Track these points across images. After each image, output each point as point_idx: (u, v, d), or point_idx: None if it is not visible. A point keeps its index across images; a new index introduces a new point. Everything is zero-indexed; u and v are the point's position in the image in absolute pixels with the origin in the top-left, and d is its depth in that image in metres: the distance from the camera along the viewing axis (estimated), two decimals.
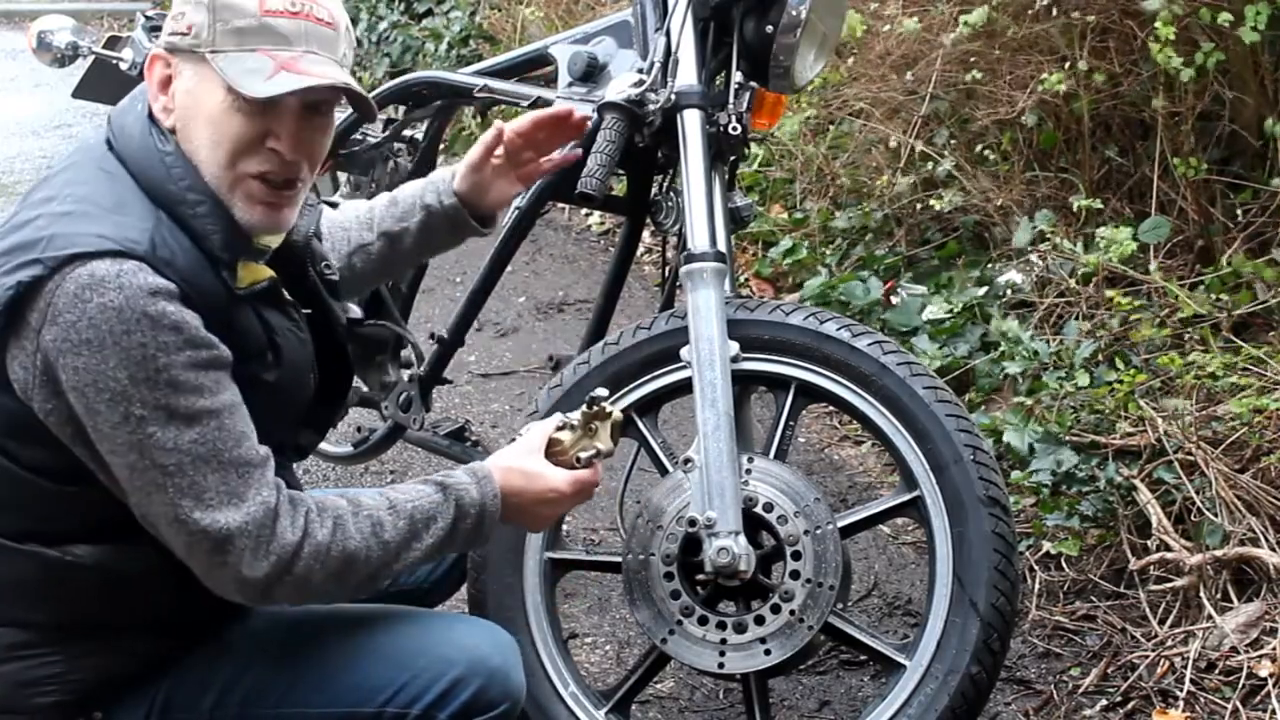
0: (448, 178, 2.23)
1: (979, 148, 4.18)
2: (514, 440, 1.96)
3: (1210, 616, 2.69)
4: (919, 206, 4.31)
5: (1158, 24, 3.38)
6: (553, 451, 1.93)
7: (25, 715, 1.78)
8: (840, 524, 2.21)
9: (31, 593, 1.76)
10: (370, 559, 1.78)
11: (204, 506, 1.67)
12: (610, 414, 1.94)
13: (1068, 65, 3.77)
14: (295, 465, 2.03)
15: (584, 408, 1.93)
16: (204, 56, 1.72)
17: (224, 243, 1.73)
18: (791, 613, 2.16)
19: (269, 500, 1.71)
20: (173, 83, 1.76)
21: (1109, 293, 3.43)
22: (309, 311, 1.92)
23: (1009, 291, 3.87)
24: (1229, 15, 3.36)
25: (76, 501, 1.72)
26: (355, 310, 2.11)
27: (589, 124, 2.33)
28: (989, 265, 4.05)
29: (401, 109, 3.08)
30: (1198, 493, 2.87)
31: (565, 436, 1.93)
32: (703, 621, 2.20)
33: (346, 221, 2.24)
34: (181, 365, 1.65)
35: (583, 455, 1.93)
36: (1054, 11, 3.79)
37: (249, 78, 1.71)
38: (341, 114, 2.49)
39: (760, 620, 2.18)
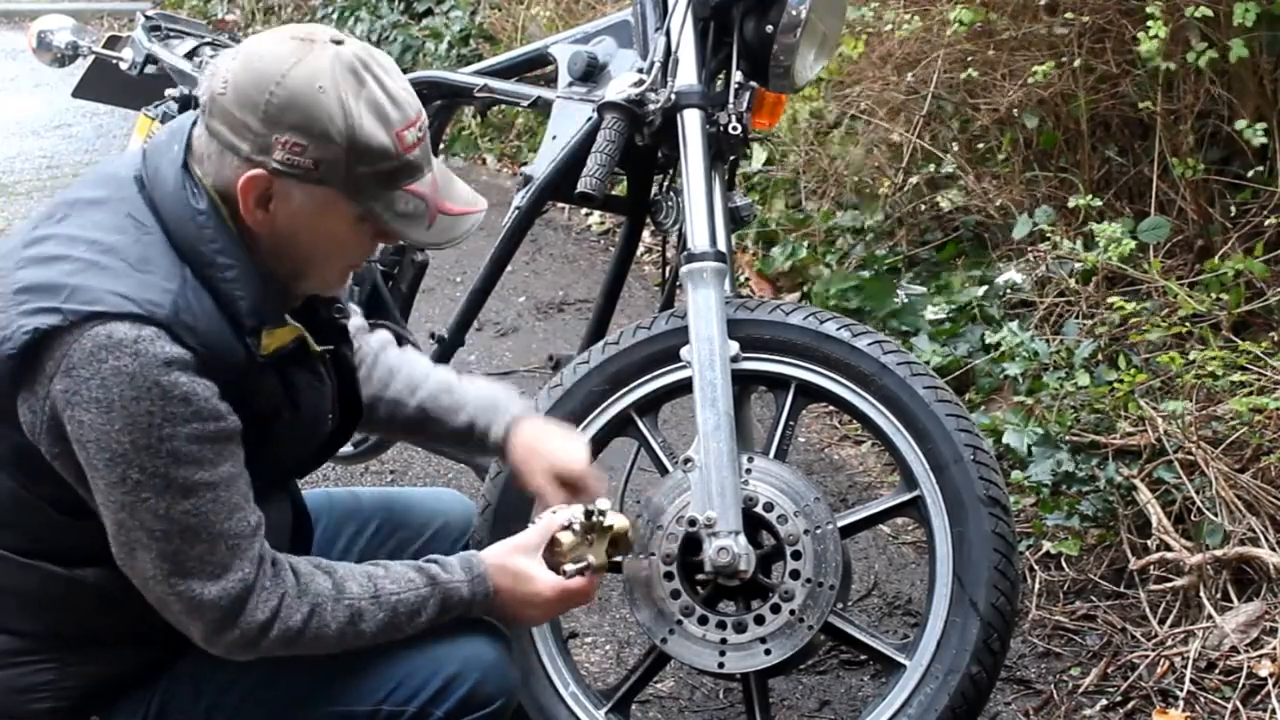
0: (506, 420, 2.09)
1: (979, 147, 4.18)
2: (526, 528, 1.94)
3: (1210, 616, 2.69)
4: (920, 207, 4.31)
5: (1150, 22, 3.38)
6: (553, 551, 1.90)
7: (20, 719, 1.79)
8: (840, 524, 2.21)
9: (30, 604, 1.77)
10: (343, 643, 1.79)
11: (182, 574, 1.68)
12: (610, 527, 1.91)
13: (1063, 61, 3.77)
14: None
15: (583, 517, 1.90)
16: (336, 190, 1.70)
17: (251, 309, 1.72)
18: (791, 612, 2.16)
19: (248, 577, 1.71)
20: (274, 202, 1.71)
21: (1111, 298, 3.42)
22: (331, 349, 1.91)
23: (1009, 291, 3.87)
24: (1208, 11, 3.36)
25: (85, 531, 1.72)
26: (356, 311, 2.11)
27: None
28: (989, 265, 4.05)
29: None
30: (1198, 492, 2.87)
31: (566, 539, 1.90)
32: (703, 621, 2.20)
33: (398, 367, 2.15)
34: (185, 437, 1.65)
35: (569, 568, 1.89)
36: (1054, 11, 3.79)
37: (412, 227, 1.75)
38: None
39: (760, 620, 2.18)
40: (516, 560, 1.89)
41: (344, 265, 1.82)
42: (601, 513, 1.90)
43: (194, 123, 1.76)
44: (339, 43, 1.71)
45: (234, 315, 1.70)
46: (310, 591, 1.76)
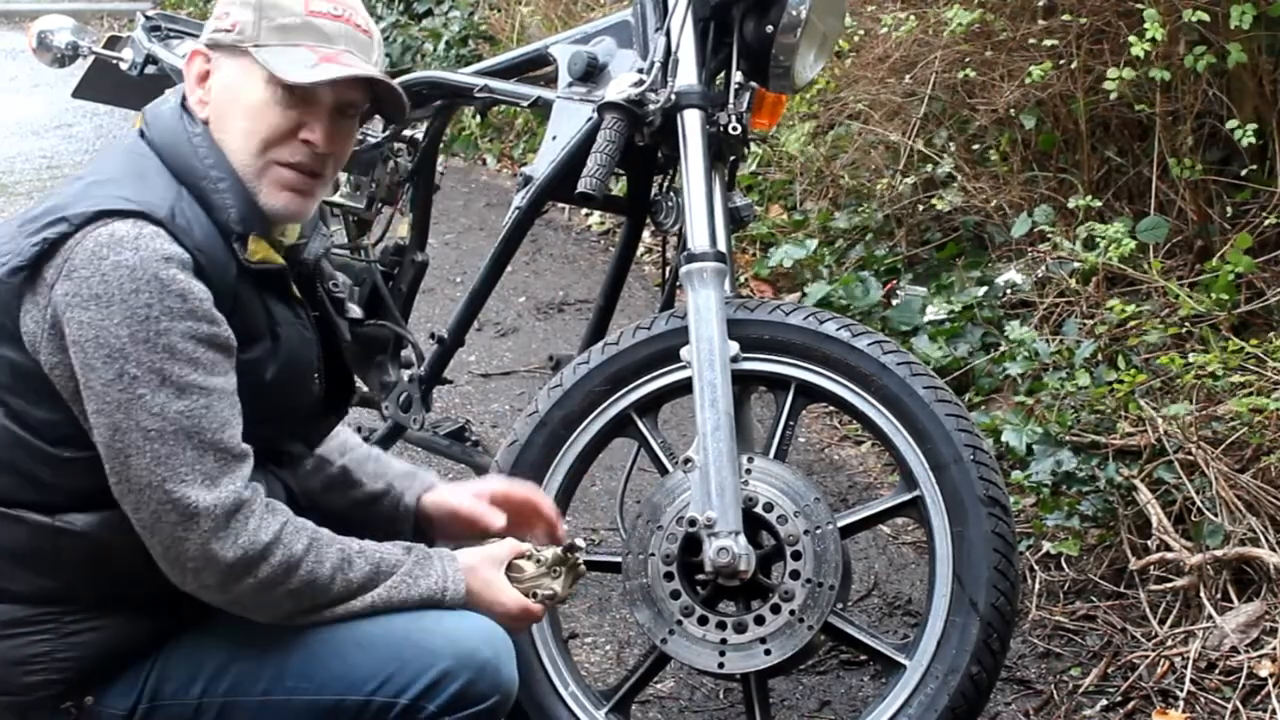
0: (422, 487, 2.12)
1: (977, 148, 4.18)
2: (485, 544, 1.98)
3: (1210, 616, 2.69)
4: (920, 207, 4.31)
5: (1146, 25, 3.38)
6: (510, 575, 1.94)
7: (16, 694, 1.80)
8: (840, 524, 2.21)
9: (19, 562, 1.78)
10: (331, 590, 1.81)
11: (177, 479, 1.72)
12: (579, 566, 1.96)
13: (1061, 62, 3.77)
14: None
15: (559, 550, 1.95)
16: (247, 51, 1.83)
17: (240, 216, 1.81)
18: (791, 613, 2.16)
19: (241, 492, 1.75)
20: (210, 77, 1.85)
21: (1111, 300, 3.42)
22: (316, 314, 1.97)
23: (1009, 291, 3.87)
24: (1204, 15, 3.35)
25: (74, 466, 1.75)
26: (355, 310, 2.12)
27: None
28: (989, 265, 4.05)
29: None
30: (1198, 493, 2.87)
31: (528, 566, 1.95)
32: (703, 621, 2.20)
33: (337, 432, 2.16)
34: (180, 334, 1.71)
35: (540, 593, 1.93)
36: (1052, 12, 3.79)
37: (293, 67, 1.82)
38: None
39: (760, 620, 2.18)
40: (488, 568, 1.92)
41: (261, 142, 1.83)
42: (578, 549, 1.96)
43: None
44: None
45: (224, 224, 1.80)
46: (308, 527, 1.81)
